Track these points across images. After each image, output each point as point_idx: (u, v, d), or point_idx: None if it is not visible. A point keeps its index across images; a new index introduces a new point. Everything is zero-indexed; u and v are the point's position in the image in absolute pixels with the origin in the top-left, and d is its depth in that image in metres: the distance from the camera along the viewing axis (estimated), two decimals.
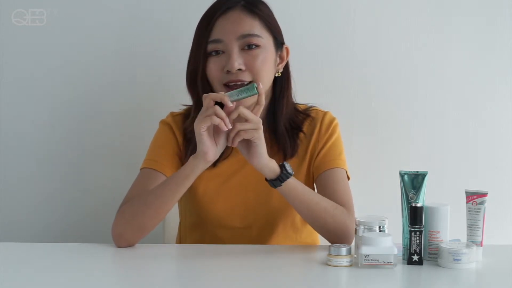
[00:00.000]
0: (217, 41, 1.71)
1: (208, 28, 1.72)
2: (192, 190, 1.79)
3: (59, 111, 2.20)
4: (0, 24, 2.16)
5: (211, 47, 1.72)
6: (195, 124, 1.58)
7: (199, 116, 1.58)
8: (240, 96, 1.58)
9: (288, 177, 1.62)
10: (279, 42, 1.78)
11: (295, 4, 2.16)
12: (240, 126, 1.57)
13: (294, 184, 1.64)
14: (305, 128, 1.83)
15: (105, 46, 2.18)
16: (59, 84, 2.19)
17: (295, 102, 1.85)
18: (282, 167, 1.62)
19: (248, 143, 1.60)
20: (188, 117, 1.81)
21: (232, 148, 1.74)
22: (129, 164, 2.14)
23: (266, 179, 1.63)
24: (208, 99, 1.57)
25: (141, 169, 1.79)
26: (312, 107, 1.88)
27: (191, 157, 1.63)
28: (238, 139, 1.58)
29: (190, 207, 1.84)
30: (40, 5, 2.16)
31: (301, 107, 1.87)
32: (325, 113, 1.86)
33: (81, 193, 2.22)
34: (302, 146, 1.82)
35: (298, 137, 1.81)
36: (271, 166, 1.61)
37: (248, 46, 1.71)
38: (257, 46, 1.72)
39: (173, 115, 1.86)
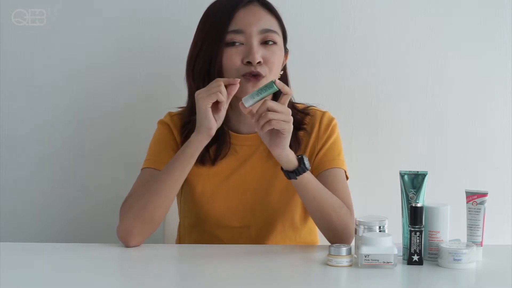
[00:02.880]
0: (237, 31, 1.71)
1: (228, 18, 1.71)
2: (190, 190, 1.80)
3: (59, 111, 2.20)
4: (0, 24, 2.16)
5: (230, 37, 1.71)
6: (201, 101, 1.60)
7: (204, 93, 1.60)
8: (260, 96, 1.58)
9: (305, 171, 1.62)
10: (285, 45, 1.80)
11: (295, 4, 2.16)
12: (272, 115, 1.56)
13: (308, 179, 1.64)
14: (305, 126, 1.83)
15: (105, 46, 2.18)
16: (59, 84, 2.19)
17: (293, 101, 1.86)
18: (300, 160, 1.62)
19: (272, 132, 1.60)
20: (186, 116, 1.80)
21: (230, 147, 1.74)
22: (129, 164, 2.14)
23: (282, 169, 1.64)
24: (217, 82, 1.60)
25: (142, 169, 1.79)
26: (310, 106, 1.88)
27: (193, 134, 1.64)
28: (268, 128, 1.57)
29: (188, 207, 1.84)
30: (40, 5, 2.16)
31: (300, 107, 1.87)
32: (323, 113, 1.86)
33: (81, 193, 2.22)
34: (302, 145, 1.82)
35: (298, 134, 1.81)
36: (290, 158, 1.62)
37: (266, 42, 1.72)
38: (275, 42, 1.73)
39: (171, 115, 1.86)
